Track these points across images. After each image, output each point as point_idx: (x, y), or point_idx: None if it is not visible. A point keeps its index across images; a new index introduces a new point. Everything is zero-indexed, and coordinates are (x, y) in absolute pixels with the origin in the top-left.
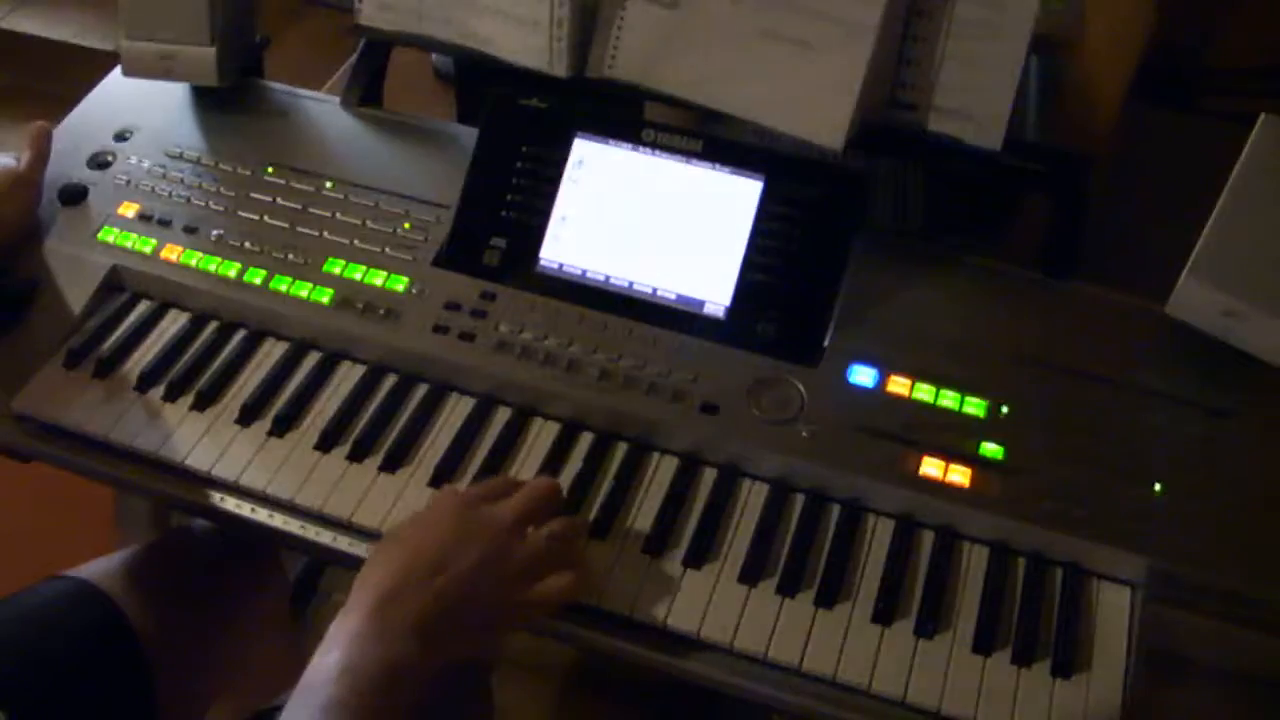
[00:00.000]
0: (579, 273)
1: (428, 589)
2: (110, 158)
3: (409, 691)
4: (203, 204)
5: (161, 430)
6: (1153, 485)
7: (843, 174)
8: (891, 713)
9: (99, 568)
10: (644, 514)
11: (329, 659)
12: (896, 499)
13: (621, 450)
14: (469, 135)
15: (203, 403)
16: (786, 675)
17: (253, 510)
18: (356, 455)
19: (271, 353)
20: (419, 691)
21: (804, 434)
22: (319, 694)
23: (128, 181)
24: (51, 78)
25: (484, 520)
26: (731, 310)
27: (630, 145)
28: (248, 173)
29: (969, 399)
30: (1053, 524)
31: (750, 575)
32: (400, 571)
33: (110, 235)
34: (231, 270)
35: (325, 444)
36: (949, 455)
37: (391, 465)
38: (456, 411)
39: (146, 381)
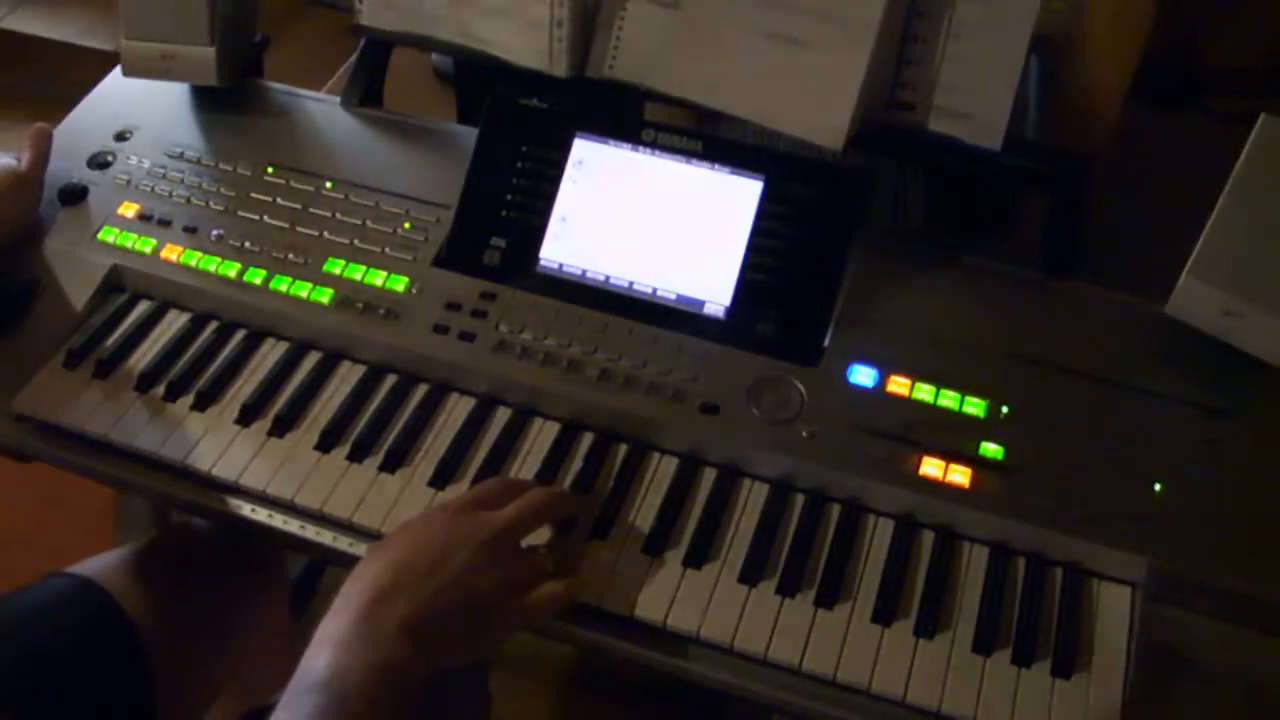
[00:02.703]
0: (579, 273)
1: (419, 592)
2: (110, 158)
3: (397, 695)
4: (203, 204)
5: (161, 430)
6: (1153, 485)
7: (843, 174)
8: (891, 713)
9: (99, 564)
10: (644, 514)
11: (317, 662)
12: (896, 499)
13: (621, 450)
14: (469, 135)
15: (203, 403)
16: (786, 675)
17: (253, 510)
18: (356, 455)
19: (271, 353)
20: (408, 695)
21: (804, 434)
22: (307, 697)
23: (128, 181)
24: (51, 78)
25: (478, 526)
26: (731, 310)
27: (630, 145)
28: (248, 173)
29: (969, 399)
30: (1053, 524)
31: (750, 575)
32: (391, 574)
33: (110, 235)
34: (231, 270)
35: (325, 444)
36: (949, 455)
37: (391, 465)
38: (456, 411)
39: (147, 381)
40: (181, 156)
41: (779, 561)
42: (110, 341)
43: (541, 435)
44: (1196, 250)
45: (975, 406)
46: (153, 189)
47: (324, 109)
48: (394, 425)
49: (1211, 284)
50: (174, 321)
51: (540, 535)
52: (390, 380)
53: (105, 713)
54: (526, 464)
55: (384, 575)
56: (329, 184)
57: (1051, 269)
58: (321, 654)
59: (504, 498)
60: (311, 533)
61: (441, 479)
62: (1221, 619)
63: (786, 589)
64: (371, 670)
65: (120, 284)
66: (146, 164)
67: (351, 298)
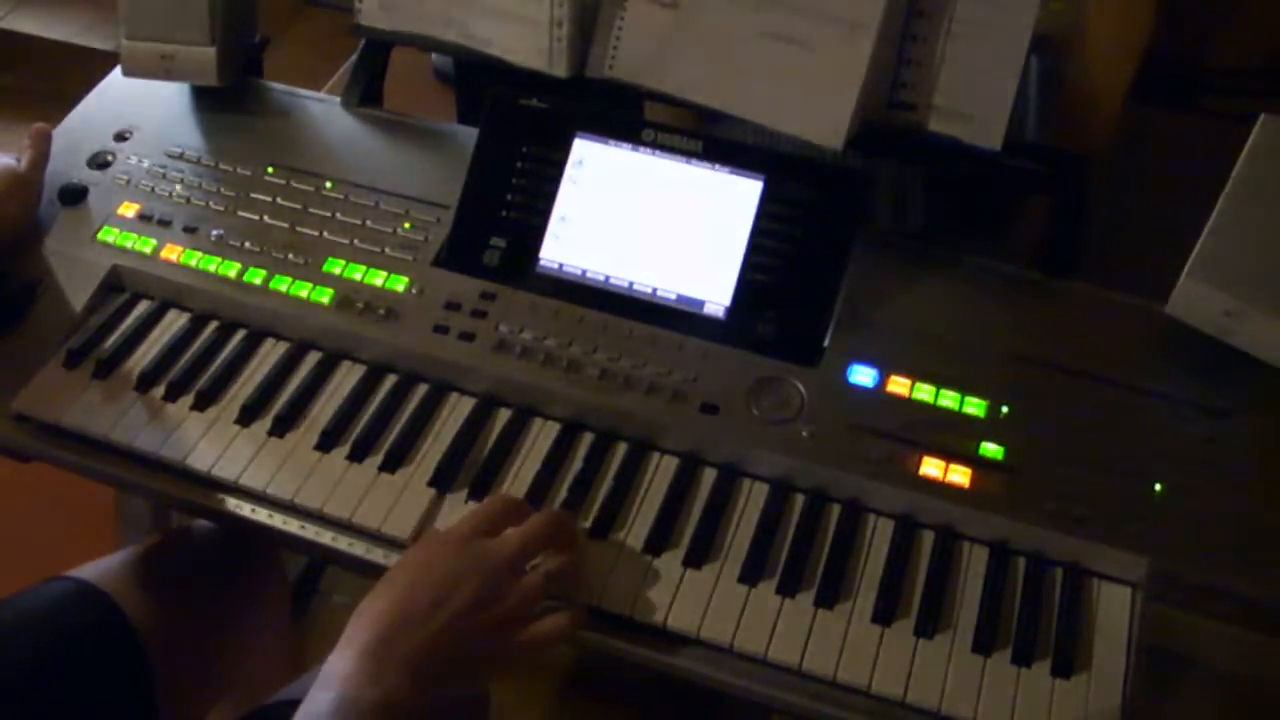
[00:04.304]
0: (579, 273)
1: (424, 628)
2: (110, 158)
3: None
4: (203, 204)
5: (161, 430)
6: (1153, 485)
7: (843, 174)
8: (891, 713)
9: (99, 568)
10: (644, 514)
11: (324, 696)
12: (896, 499)
13: (621, 450)
14: (469, 135)
15: (203, 403)
16: (786, 675)
17: (253, 510)
18: (356, 455)
19: (271, 353)
20: None
21: (804, 434)
22: None
23: (128, 181)
24: (51, 78)
25: (481, 558)
26: (731, 310)
27: (630, 145)
28: (248, 173)
29: (969, 399)
30: (1053, 524)
31: (750, 575)
32: (396, 609)
33: (110, 235)
34: (231, 270)
35: (325, 444)
36: (949, 455)
37: (391, 465)
38: (456, 411)
39: (146, 381)
40: (181, 156)
41: (779, 561)
42: (110, 341)
43: (541, 435)
44: (1196, 250)
45: (975, 406)
46: (153, 189)
47: (324, 109)
48: (394, 425)
49: (1211, 284)
50: (174, 321)
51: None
52: (390, 380)
53: (105, 715)
54: (526, 464)
55: (387, 614)
56: (329, 184)
57: (1051, 269)
58: (328, 688)
59: (505, 521)
60: (311, 533)
61: (441, 479)
62: (1221, 619)
63: (786, 589)
64: (377, 705)
65: (120, 284)
66: (146, 164)
67: (351, 298)
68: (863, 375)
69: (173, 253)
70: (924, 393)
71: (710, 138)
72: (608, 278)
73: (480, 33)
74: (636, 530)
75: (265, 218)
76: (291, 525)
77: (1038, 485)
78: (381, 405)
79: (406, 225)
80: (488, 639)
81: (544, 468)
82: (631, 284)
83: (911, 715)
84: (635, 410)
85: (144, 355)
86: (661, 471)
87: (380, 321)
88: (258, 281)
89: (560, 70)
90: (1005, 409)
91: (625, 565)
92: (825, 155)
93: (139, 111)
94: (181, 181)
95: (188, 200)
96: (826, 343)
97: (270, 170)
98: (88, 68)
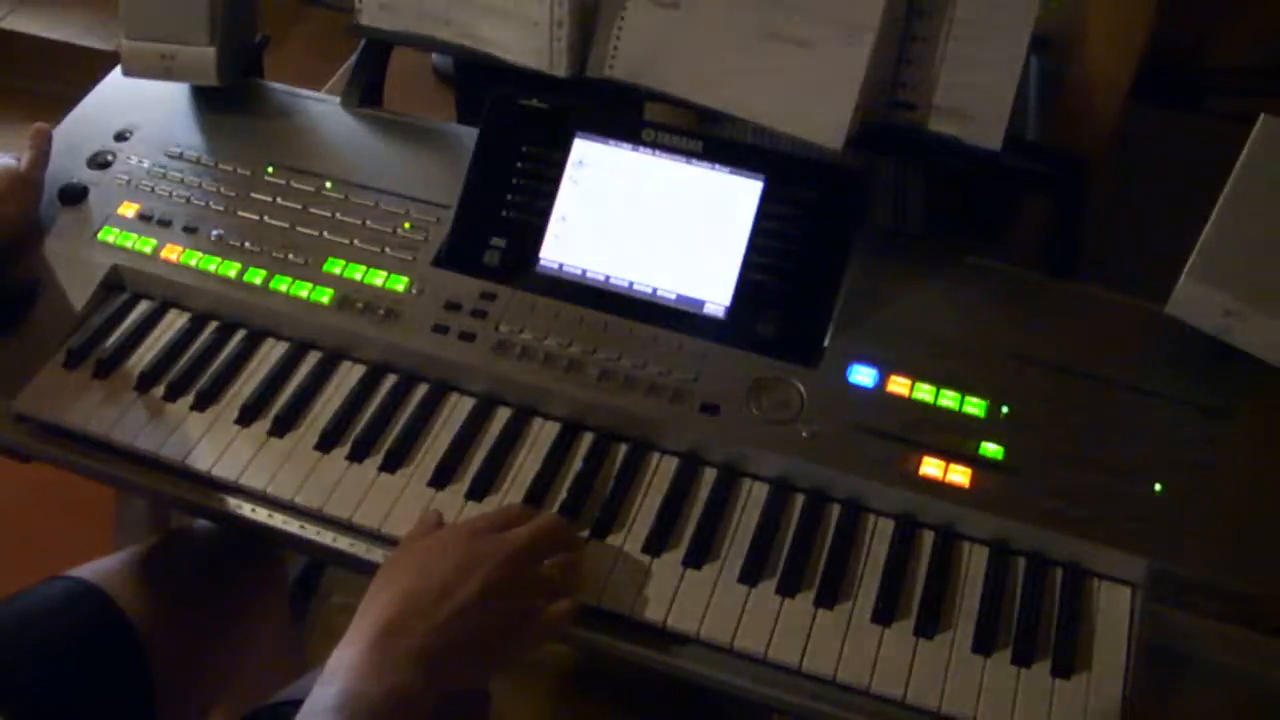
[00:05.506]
0: (579, 273)
1: (431, 620)
2: (110, 158)
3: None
4: (203, 204)
5: (161, 430)
6: (1153, 485)
7: (843, 174)
8: (891, 713)
9: (99, 568)
10: (644, 514)
11: (330, 690)
12: (896, 499)
13: (621, 450)
14: (469, 135)
15: (203, 403)
16: (786, 675)
17: (253, 510)
18: (356, 455)
19: (271, 353)
20: (421, 718)
21: (804, 434)
22: (321, 718)
23: (128, 181)
24: (51, 78)
25: (489, 549)
26: (731, 310)
27: (630, 145)
28: (248, 173)
29: (969, 399)
30: (1053, 524)
31: (750, 575)
32: (403, 601)
33: (110, 235)
34: (231, 270)
35: (325, 444)
36: (949, 455)
37: (391, 465)
38: (456, 411)
39: (147, 381)
40: (181, 156)
41: (779, 561)
42: (110, 341)
43: (541, 435)
44: (1196, 250)
45: (975, 406)
46: (153, 189)
47: (324, 109)
48: (394, 425)
49: (1211, 284)
50: (174, 321)
51: None
52: (390, 380)
53: (105, 715)
54: (526, 464)
55: (394, 605)
56: (329, 184)
57: (1051, 269)
58: (335, 681)
59: (515, 524)
60: (311, 533)
61: (441, 479)
62: (1221, 619)
63: (786, 589)
64: (384, 697)
65: (120, 284)
66: (146, 164)
67: (351, 298)
68: (863, 375)
69: (173, 253)
70: (924, 393)
71: (710, 138)
72: (608, 278)
73: (480, 32)
74: (636, 530)
75: (265, 218)
76: (291, 525)
77: (1038, 485)
78: (381, 405)
79: (406, 225)
80: (494, 628)
81: (544, 468)
82: (631, 284)
83: (911, 715)
84: (635, 410)
85: (144, 355)
86: (661, 471)
87: (380, 321)
88: (258, 281)
89: (560, 70)
90: (1005, 409)
91: (625, 565)
92: (825, 155)
93: (139, 111)
94: (181, 181)
95: (188, 200)
96: (826, 343)
97: (270, 170)
98: (88, 68)
